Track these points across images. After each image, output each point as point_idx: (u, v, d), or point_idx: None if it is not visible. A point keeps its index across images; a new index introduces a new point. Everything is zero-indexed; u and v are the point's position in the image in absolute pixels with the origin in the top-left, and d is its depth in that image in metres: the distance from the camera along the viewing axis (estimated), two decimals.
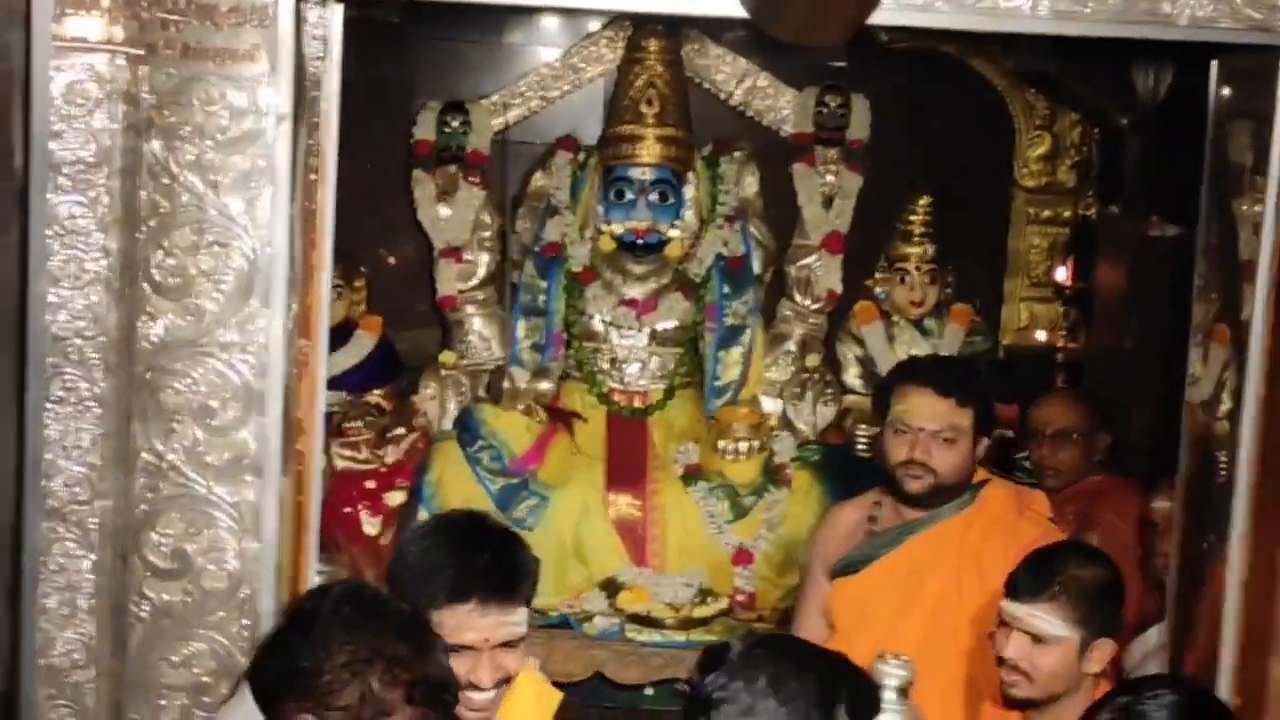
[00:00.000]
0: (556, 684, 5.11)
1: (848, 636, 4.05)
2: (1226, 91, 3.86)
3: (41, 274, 3.30)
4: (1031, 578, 3.59)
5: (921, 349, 5.79)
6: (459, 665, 3.04)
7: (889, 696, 3.53)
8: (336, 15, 3.48)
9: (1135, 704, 2.81)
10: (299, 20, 3.33)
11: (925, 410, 4.15)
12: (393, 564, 3.24)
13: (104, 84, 3.27)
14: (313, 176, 3.51)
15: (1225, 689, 3.67)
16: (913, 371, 4.36)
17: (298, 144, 3.38)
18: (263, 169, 3.31)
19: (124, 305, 3.32)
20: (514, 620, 3.15)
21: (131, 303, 3.32)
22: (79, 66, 3.26)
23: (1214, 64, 3.87)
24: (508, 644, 3.14)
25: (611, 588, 5.45)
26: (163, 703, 3.41)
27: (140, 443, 3.36)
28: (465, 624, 3.09)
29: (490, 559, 3.20)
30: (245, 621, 3.40)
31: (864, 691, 2.65)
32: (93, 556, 3.37)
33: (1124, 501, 5.02)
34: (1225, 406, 3.76)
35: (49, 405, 3.33)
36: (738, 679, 2.50)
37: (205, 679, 3.38)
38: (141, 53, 3.28)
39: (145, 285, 3.33)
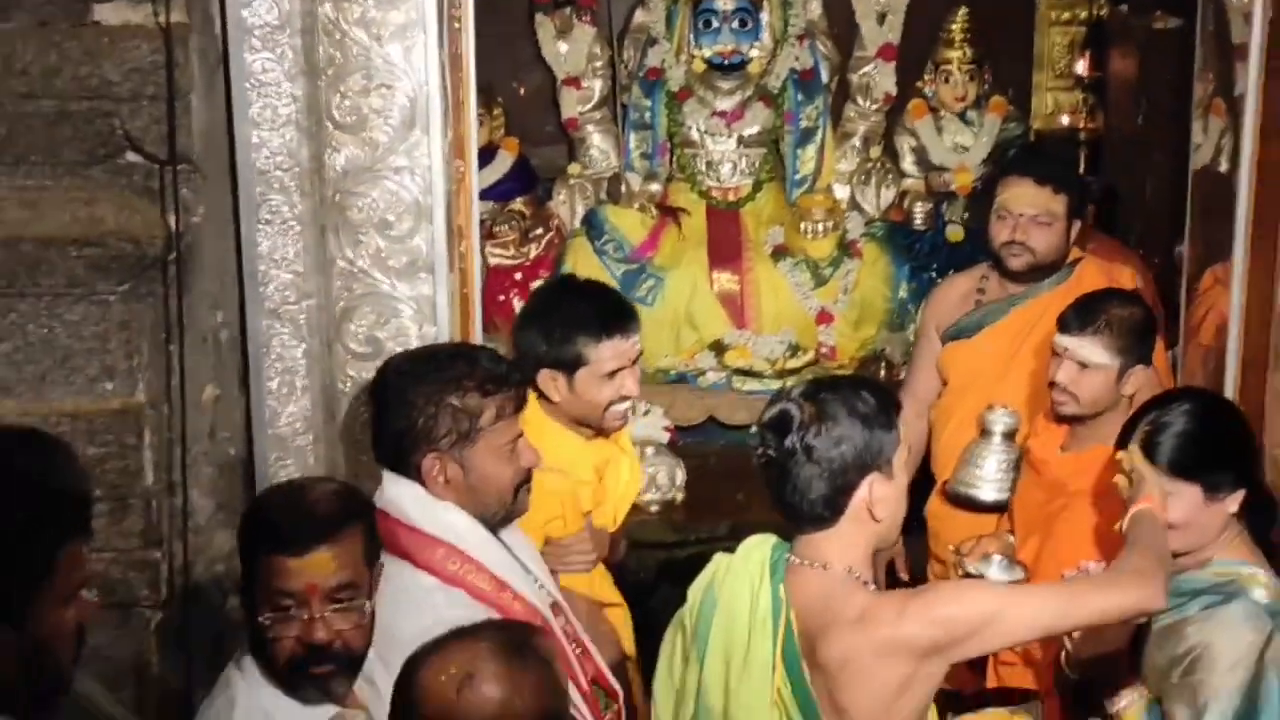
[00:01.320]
0: (679, 428, 5.25)
1: (960, 391, 4.09)
2: None
3: (244, 120, 3.34)
4: (1079, 315, 3.58)
5: (965, 136, 5.75)
6: (609, 388, 3.27)
7: (996, 440, 3.56)
8: None
9: (1162, 414, 2.87)
10: None
11: (1024, 198, 4.02)
12: (531, 328, 3.30)
13: None
14: (456, 25, 3.49)
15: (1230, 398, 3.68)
16: (1014, 163, 4.31)
17: (442, 3, 3.37)
18: (415, 21, 3.31)
19: (312, 142, 3.36)
20: (639, 340, 3.33)
21: (318, 139, 3.35)
22: None
23: None
24: (637, 360, 3.32)
25: (719, 348, 5.51)
26: (363, 459, 3.43)
27: (334, 252, 3.41)
28: (615, 352, 3.25)
29: (610, 300, 3.42)
30: None
31: (893, 397, 2.75)
32: (304, 345, 3.46)
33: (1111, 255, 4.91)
34: (1224, 166, 3.71)
35: (259, 226, 3.39)
36: (823, 421, 2.57)
37: None
38: None
39: (328, 124, 3.35)
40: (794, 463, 2.59)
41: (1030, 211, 4.05)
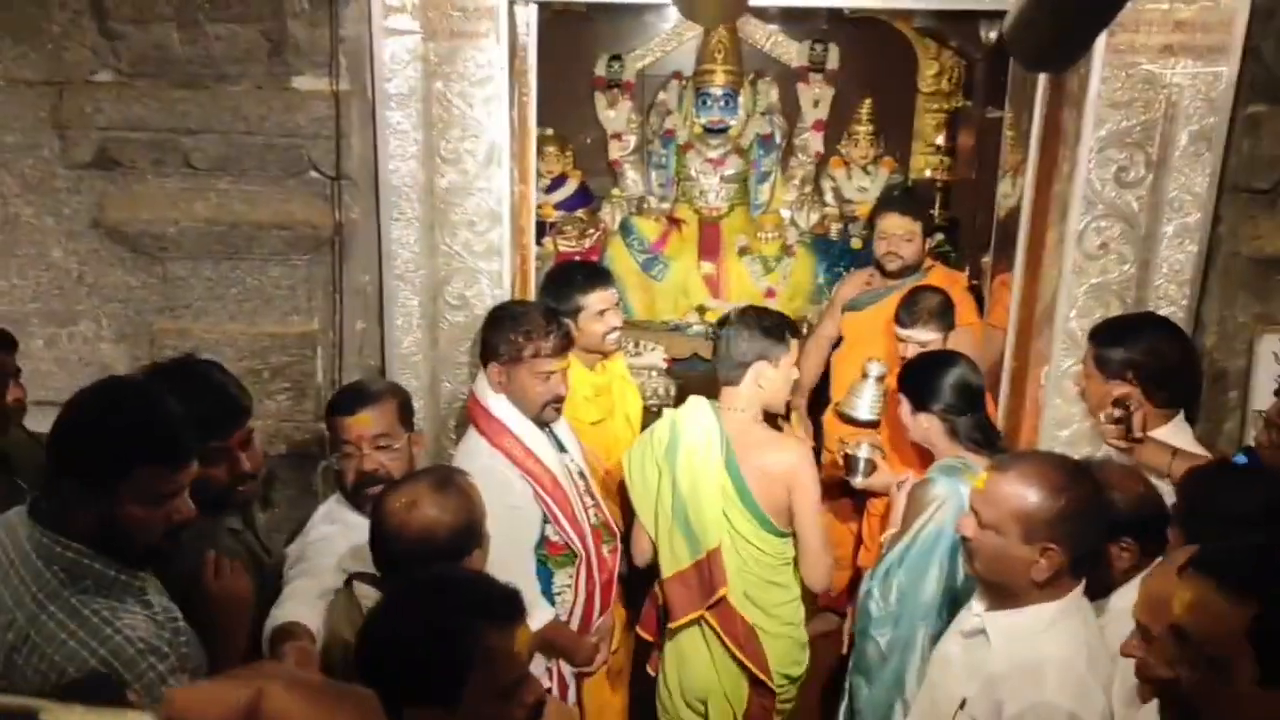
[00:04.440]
0: (674, 359, 5.21)
1: (852, 345, 4.10)
2: None
3: (385, 153, 3.29)
4: (908, 313, 3.56)
5: (866, 182, 5.62)
6: (601, 324, 3.30)
7: (871, 381, 3.54)
8: (532, 12, 3.37)
9: (931, 356, 3.09)
10: (511, 15, 3.25)
11: (894, 224, 4.01)
12: (547, 293, 3.34)
13: (413, 53, 3.21)
14: (524, 99, 3.44)
15: (1008, 360, 3.61)
16: (886, 202, 4.28)
17: (513, 84, 3.31)
18: (495, 95, 3.25)
19: (426, 169, 3.30)
20: (615, 290, 3.39)
21: (430, 168, 3.30)
22: (399, 45, 3.21)
23: None
24: (617, 304, 3.35)
25: (701, 310, 5.44)
26: (449, 371, 3.48)
27: (439, 240, 3.37)
28: (600, 299, 3.31)
29: (591, 267, 3.56)
30: None
31: (787, 325, 3.01)
32: (418, 299, 3.41)
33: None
34: (1020, 202, 3.58)
35: (392, 221, 3.34)
36: (739, 327, 2.95)
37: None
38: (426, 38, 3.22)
39: (437, 159, 3.30)
40: (723, 345, 2.96)
41: (899, 232, 3.99)
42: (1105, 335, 2.76)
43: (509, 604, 1.69)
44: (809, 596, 3.15)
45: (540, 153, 5.40)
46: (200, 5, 3.07)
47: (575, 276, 3.33)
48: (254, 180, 3.27)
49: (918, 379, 2.98)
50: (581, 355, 3.32)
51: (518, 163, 3.42)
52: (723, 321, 3.02)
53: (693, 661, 3.05)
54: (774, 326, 2.94)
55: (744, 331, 2.92)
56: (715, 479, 2.91)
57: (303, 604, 2.21)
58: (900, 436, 3.50)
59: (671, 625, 3.04)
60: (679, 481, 2.94)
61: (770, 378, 2.93)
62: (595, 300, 3.28)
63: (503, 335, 2.89)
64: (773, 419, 3.19)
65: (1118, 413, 2.54)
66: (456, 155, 3.29)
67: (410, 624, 1.63)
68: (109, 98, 3.16)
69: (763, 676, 2.99)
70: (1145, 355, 2.67)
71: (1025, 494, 2.01)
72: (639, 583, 3.24)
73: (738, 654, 2.97)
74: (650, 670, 3.23)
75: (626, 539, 3.17)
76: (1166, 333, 2.79)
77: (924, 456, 3.16)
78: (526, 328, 2.89)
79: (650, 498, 3.01)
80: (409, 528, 2.07)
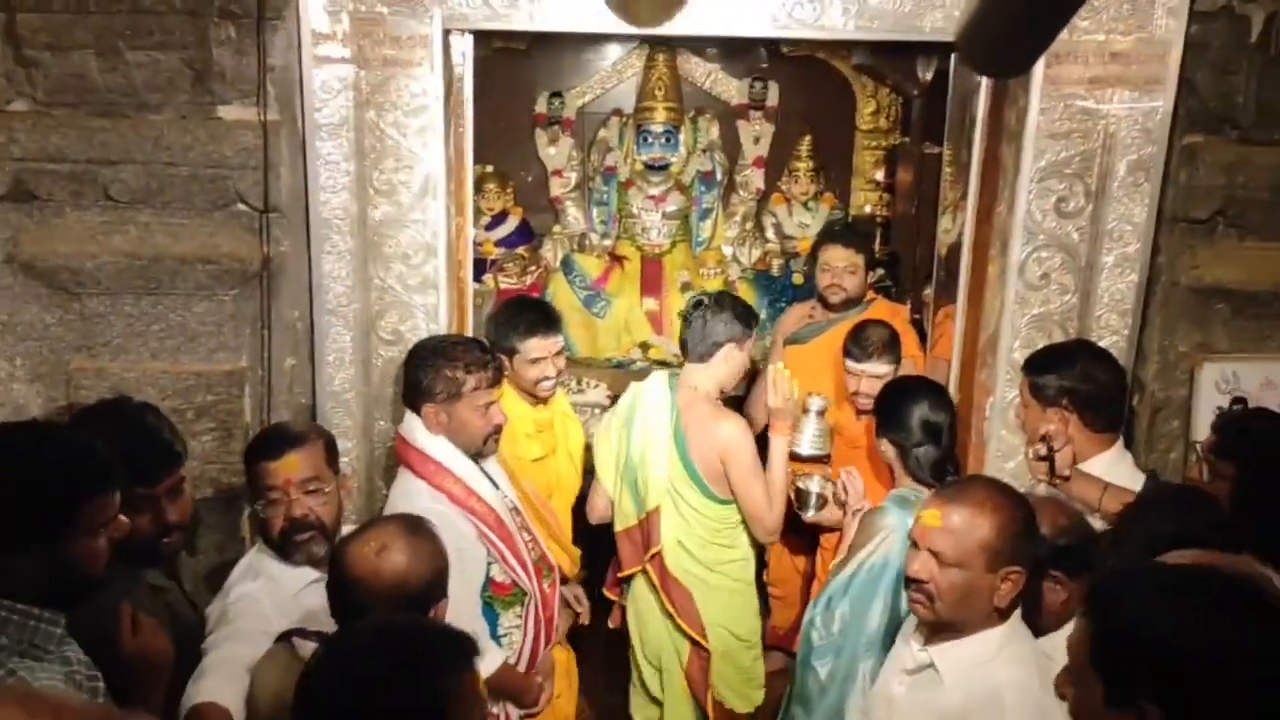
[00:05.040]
0: (617, 396, 5.11)
1: (793, 380, 3.97)
2: (962, 72, 3.64)
3: (315, 185, 3.19)
4: (860, 347, 3.51)
5: (807, 218, 5.60)
6: (538, 370, 3.22)
7: (813, 416, 3.48)
8: (468, 42, 3.29)
9: (903, 383, 3.05)
10: (446, 44, 3.17)
11: (838, 256, 3.97)
12: (489, 327, 3.29)
13: (345, 82, 3.12)
14: (460, 130, 3.35)
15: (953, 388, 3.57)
16: (829, 235, 4.29)
17: (448, 112, 3.22)
18: (430, 125, 3.16)
19: (359, 201, 3.20)
20: (559, 339, 3.28)
21: (362, 200, 3.20)
22: (330, 74, 3.11)
23: (954, 55, 3.63)
24: (559, 353, 3.26)
25: (644, 346, 5.37)
26: (385, 409, 3.36)
27: (372, 274, 3.26)
28: (537, 346, 3.21)
29: (537, 311, 3.32)
30: None
31: (750, 310, 3.23)
32: (350, 334, 3.30)
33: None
34: (960, 239, 3.57)
35: (323, 254, 3.24)
36: (713, 311, 3.15)
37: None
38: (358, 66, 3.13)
39: (370, 190, 3.20)
40: (697, 325, 3.16)
41: (841, 264, 3.95)
42: (1039, 364, 2.72)
43: (466, 645, 1.62)
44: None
45: (481, 189, 5.31)
46: (120, 32, 2.95)
47: (520, 319, 3.23)
48: (177, 213, 3.15)
49: (883, 404, 2.94)
50: (522, 393, 3.22)
51: (454, 195, 3.33)
52: (696, 304, 3.23)
53: (648, 621, 3.28)
54: (744, 313, 3.18)
55: (721, 314, 3.13)
56: (664, 446, 3.13)
57: (223, 678, 2.07)
58: (878, 463, 3.45)
59: (620, 574, 3.32)
60: (633, 446, 3.19)
61: (736, 358, 3.15)
62: (532, 347, 3.19)
63: (437, 374, 2.76)
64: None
65: (1043, 450, 2.51)
66: (390, 186, 3.19)
67: (376, 672, 1.51)
68: (24, 127, 3.02)
69: (695, 635, 3.19)
70: (1080, 381, 2.63)
71: (984, 523, 2.00)
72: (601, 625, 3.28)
73: (669, 608, 3.19)
74: (611, 624, 3.43)
75: (599, 582, 3.33)
76: (1098, 358, 2.76)
77: (888, 484, 3.12)
78: (464, 361, 2.77)
79: (611, 458, 3.26)
80: (381, 576, 1.94)
